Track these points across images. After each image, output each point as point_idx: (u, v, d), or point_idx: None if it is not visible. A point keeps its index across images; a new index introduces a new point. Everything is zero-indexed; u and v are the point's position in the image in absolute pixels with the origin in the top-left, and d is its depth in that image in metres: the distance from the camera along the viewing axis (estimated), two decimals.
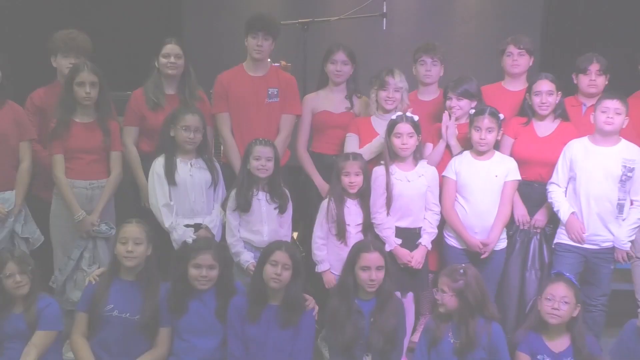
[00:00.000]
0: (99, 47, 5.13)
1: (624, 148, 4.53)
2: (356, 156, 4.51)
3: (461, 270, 4.06)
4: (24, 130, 4.72)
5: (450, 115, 4.74)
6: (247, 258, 4.48)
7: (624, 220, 4.56)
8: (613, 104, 4.43)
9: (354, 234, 4.49)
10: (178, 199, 4.53)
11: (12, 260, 3.91)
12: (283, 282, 3.99)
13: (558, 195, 4.57)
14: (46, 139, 4.75)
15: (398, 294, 4.50)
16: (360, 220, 4.51)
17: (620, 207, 4.53)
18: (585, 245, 4.52)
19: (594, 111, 4.55)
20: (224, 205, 4.56)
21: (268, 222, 4.52)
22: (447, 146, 4.77)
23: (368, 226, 4.52)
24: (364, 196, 4.50)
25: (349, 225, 4.48)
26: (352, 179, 4.42)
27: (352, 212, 4.50)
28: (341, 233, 4.47)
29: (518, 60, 5.02)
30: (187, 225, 4.51)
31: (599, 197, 4.50)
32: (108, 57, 5.23)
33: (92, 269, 4.51)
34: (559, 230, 4.62)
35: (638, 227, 4.61)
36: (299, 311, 4.06)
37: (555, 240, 4.63)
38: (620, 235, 4.53)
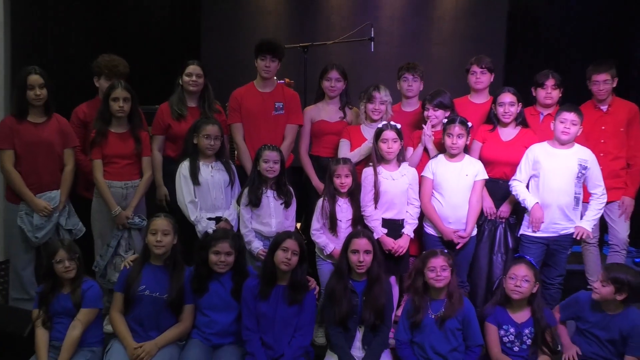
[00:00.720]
0: (130, 67, 5.11)
1: (579, 150, 4.55)
2: (346, 160, 4.50)
3: (446, 251, 4.15)
4: (67, 139, 4.73)
5: (425, 123, 4.74)
6: (258, 246, 4.47)
7: (581, 214, 4.58)
8: (570, 116, 4.44)
9: (345, 228, 4.47)
10: (201, 196, 4.53)
11: (63, 248, 3.92)
12: (292, 266, 3.99)
13: (522, 189, 4.57)
14: (87, 147, 4.75)
15: (393, 279, 4.56)
16: (350, 216, 4.48)
17: (577, 200, 4.55)
18: (546, 234, 4.52)
19: (553, 120, 4.55)
20: (237, 201, 4.57)
21: (275, 215, 4.52)
22: (425, 150, 4.75)
23: (357, 221, 4.48)
24: (353, 195, 4.49)
25: (340, 220, 4.46)
26: (343, 180, 4.41)
27: (343, 209, 4.48)
28: (333, 227, 4.46)
29: (480, 77, 5.00)
30: (209, 219, 4.52)
31: (559, 191, 4.51)
32: (138, 76, 5.22)
33: (128, 255, 4.53)
34: (523, 222, 4.62)
35: (598, 215, 4.64)
36: (304, 291, 4.06)
37: (521, 232, 4.63)
38: (585, 224, 4.55)
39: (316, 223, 4.53)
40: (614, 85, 5.09)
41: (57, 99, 4.73)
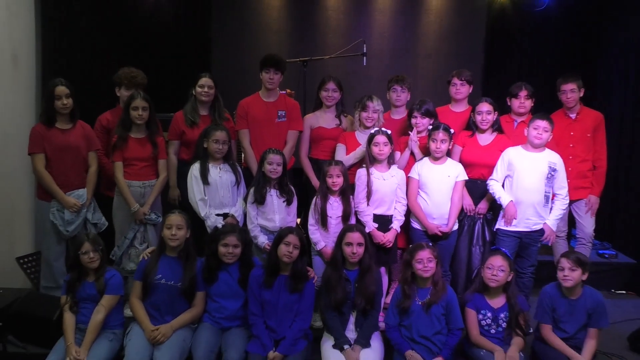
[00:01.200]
0: (148, 79, 5.12)
1: (549, 154, 4.57)
2: (338, 162, 4.50)
3: (431, 244, 4.16)
4: (91, 142, 4.75)
5: (411, 129, 4.76)
6: (263, 240, 4.47)
7: (550, 209, 4.58)
8: (543, 124, 4.47)
9: (335, 224, 4.46)
10: (210, 195, 4.53)
11: (88, 241, 3.93)
12: (293, 258, 3.99)
13: (498, 188, 4.58)
14: (109, 150, 4.76)
15: (382, 269, 4.56)
16: (340, 213, 4.47)
17: (547, 198, 4.56)
18: (519, 229, 4.53)
19: (527, 127, 4.57)
20: (245, 199, 4.58)
21: (279, 212, 4.51)
22: (412, 153, 4.76)
23: (346, 217, 4.46)
24: (344, 194, 4.48)
25: (330, 217, 4.46)
26: (335, 180, 4.41)
27: (334, 207, 4.48)
28: (324, 222, 4.46)
29: (460, 89, 5.01)
30: (218, 215, 4.52)
31: (531, 190, 4.52)
32: (155, 87, 5.23)
33: (142, 247, 4.55)
34: (499, 218, 4.63)
35: (562, 213, 4.66)
36: (304, 280, 4.06)
37: (497, 226, 4.64)
38: (549, 222, 4.56)
39: (311, 219, 4.54)
40: (581, 94, 5.10)
41: (82, 108, 4.75)
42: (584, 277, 3.98)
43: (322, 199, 4.49)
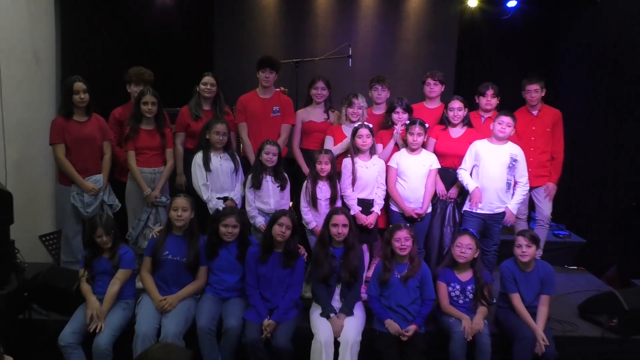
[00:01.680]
0: (157, 77, 5.13)
1: (511, 146, 4.58)
2: (327, 151, 4.51)
3: (408, 224, 4.19)
4: (105, 133, 4.75)
5: (390, 123, 4.79)
6: (260, 221, 4.49)
7: (512, 195, 4.60)
8: (506, 120, 4.49)
9: (324, 206, 4.49)
10: (212, 180, 4.54)
11: (101, 227, 3.91)
12: (286, 237, 4.01)
13: (466, 176, 4.61)
14: (122, 141, 4.77)
15: (364, 246, 4.56)
16: (328, 195, 4.50)
17: (509, 185, 4.57)
18: (484, 212, 4.56)
19: (493, 122, 4.58)
20: (244, 185, 4.57)
21: (273, 196, 4.52)
22: (396, 144, 4.77)
23: (333, 200, 4.48)
24: (331, 179, 4.50)
25: (319, 199, 4.49)
26: (323, 167, 4.43)
27: (323, 190, 4.50)
28: (314, 204, 4.49)
29: (433, 88, 5.01)
30: (219, 198, 4.54)
31: (494, 178, 4.54)
32: (163, 84, 5.23)
33: (155, 227, 4.55)
34: (466, 202, 4.65)
35: (522, 199, 4.68)
36: (295, 257, 4.08)
37: (464, 209, 4.66)
38: (510, 206, 4.59)
39: (303, 201, 4.55)
40: (543, 94, 5.13)
41: (97, 102, 4.74)
42: (538, 253, 4.02)
43: (312, 183, 4.50)
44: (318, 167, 4.45)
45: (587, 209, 6.12)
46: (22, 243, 4.24)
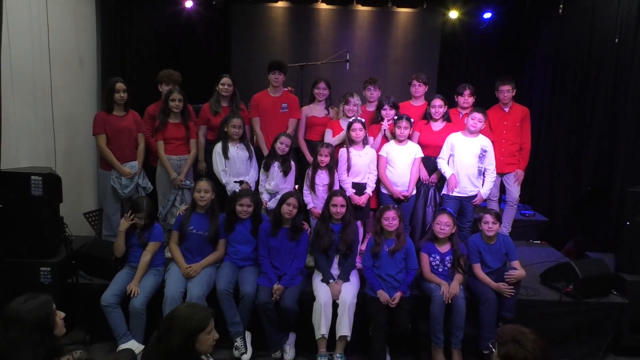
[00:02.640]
0: (183, 78, 5.12)
1: (482, 138, 4.59)
2: (328, 145, 4.51)
3: (396, 205, 4.17)
4: (140, 126, 4.75)
5: (380, 119, 4.77)
6: (264, 197, 4.53)
7: (483, 181, 4.60)
8: (478, 116, 4.49)
9: (322, 191, 4.49)
10: (230, 167, 4.56)
11: (132, 208, 3.98)
12: (292, 215, 4.01)
13: (444, 164, 4.61)
14: (154, 133, 4.78)
15: (359, 223, 4.55)
16: (326, 182, 4.49)
17: (480, 172, 4.58)
18: (459, 195, 4.57)
19: (467, 117, 4.57)
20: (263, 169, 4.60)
21: (276, 179, 4.54)
22: (385, 136, 4.76)
23: (331, 186, 4.47)
24: (330, 169, 4.49)
25: (317, 185, 4.49)
26: (323, 159, 4.44)
27: (322, 178, 4.50)
28: (313, 189, 4.50)
29: (418, 88, 4.99)
30: (235, 182, 4.55)
31: (467, 166, 4.55)
32: (189, 84, 5.24)
33: (181, 206, 4.51)
34: (444, 187, 4.65)
35: (492, 184, 4.67)
36: (300, 232, 4.07)
37: (443, 192, 4.67)
38: (482, 191, 4.59)
39: (305, 186, 4.57)
40: (514, 94, 5.10)
41: (134, 99, 4.76)
42: (501, 229, 4.07)
43: (313, 171, 4.51)
44: (319, 158, 4.45)
45: (549, 192, 6.10)
46: (69, 219, 4.26)
